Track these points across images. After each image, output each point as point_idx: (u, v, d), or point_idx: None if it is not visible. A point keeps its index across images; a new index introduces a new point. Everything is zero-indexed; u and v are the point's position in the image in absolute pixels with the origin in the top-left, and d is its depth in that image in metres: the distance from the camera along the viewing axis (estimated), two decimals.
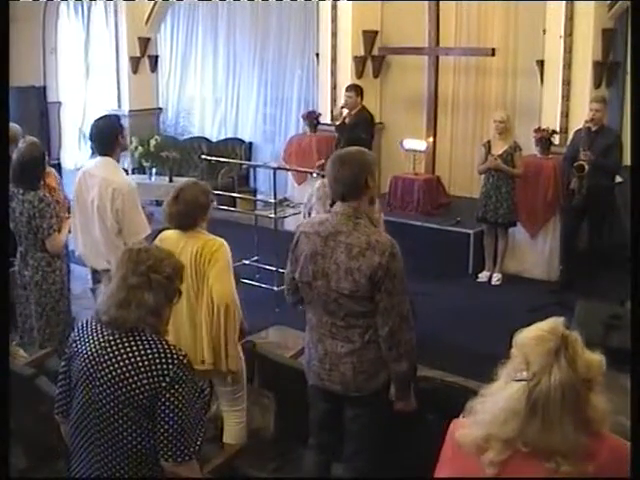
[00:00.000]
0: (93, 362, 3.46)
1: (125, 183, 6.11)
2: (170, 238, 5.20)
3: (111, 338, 3.46)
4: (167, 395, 3.36)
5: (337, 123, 10.50)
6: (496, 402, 2.53)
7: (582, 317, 6.96)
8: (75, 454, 3.62)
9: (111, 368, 3.41)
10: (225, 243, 5.13)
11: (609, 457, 2.51)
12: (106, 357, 3.43)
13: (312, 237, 4.35)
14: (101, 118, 6.57)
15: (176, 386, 3.38)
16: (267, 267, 9.30)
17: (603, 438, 2.54)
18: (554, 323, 2.58)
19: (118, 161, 6.27)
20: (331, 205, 4.50)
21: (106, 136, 6.14)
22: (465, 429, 2.62)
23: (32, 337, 6.64)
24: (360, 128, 9.89)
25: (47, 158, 7.48)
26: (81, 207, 6.27)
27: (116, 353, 3.42)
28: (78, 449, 3.59)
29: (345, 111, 10.35)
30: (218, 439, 5.26)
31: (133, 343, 3.43)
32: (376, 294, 4.18)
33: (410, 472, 4.58)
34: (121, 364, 3.40)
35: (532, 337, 2.55)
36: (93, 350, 3.48)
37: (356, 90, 10.48)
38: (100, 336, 3.49)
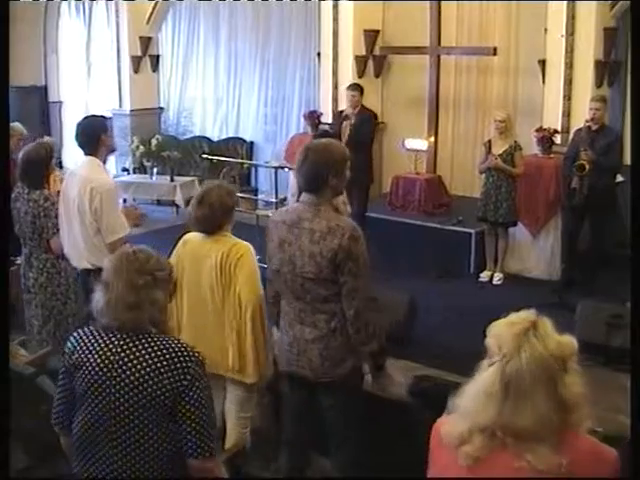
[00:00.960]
0: (104, 370, 3.43)
1: (104, 182, 6.07)
2: (194, 241, 5.14)
3: (122, 343, 3.44)
4: (190, 393, 3.37)
5: (344, 125, 10.41)
6: (473, 391, 2.61)
7: (584, 316, 6.98)
8: (84, 464, 3.57)
9: (128, 373, 3.39)
10: (251, 247, 5.05)
11: (585, 456, 2.54)
12: (120, 363, 3.41)
13: (279, 225, 4.50)
14: (85, 118, 6.56)
15: (197, 383, 3.39)
16: None
17: (582, 437, 2.58)
18: (525, 312, 2.68)
19: (104, 161, 6.24)
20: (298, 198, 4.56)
21: (89, 136, 6.12)
22: (449, 425, 2.67)
23: (38, 341, 6.58)
24: (365, 127, 9.90)
25: (55, 159, 7.51)
26: (65, 206, 6.24)
27: (131, 357, 3.40)
28: (88, 459, 3.55)
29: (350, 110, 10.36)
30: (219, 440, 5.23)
31: (147, 345, 3.41)
32: (340, 277, 4.28)
33: (408, 472, 4.58)
34: (138, 367, 3.38)
35: (503, 323, 2.65)
36: (103, 358, 3.44)
37: (359, 89, 10.55)
38: (108, 343, 3.46)
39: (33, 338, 6.60)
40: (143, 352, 3.40)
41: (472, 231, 9.95)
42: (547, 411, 2.49)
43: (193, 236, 5.17)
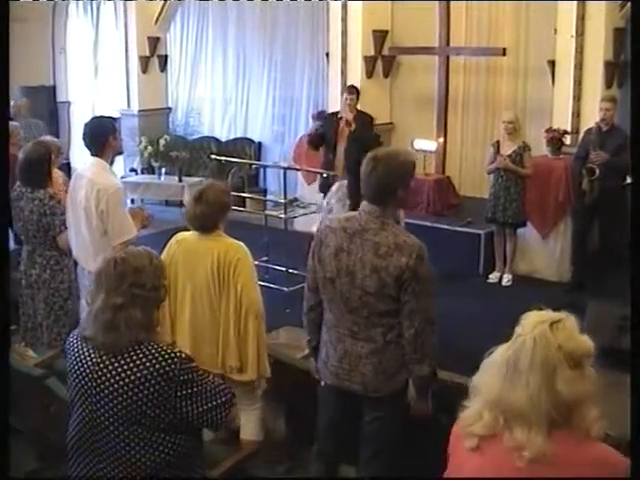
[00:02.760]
0: (87, 379, 3.38)
1: (111, 184, 6.04)
2: (188, 240, 5.15)
3: (102, 354, 3.36)
4: (181, 401, 3.35)
5: (347, 131, 9.68)
6: (485, 367, 2.68)
7: (593, 318, 6.94)
8: (75, 469, 3.54)
9: (107, 384, 3.33)
10: (246, 247, 5.08)
11: (589, 462, 2.54)
12: (100, 374, 3.35)
13: (338, 233, 4.29)
14: (93, 119, 6.57)
15: (187, 383, 3.36)
16: (277, 267, 9.28)
17: (589, 443, 2.57)
18: (561, 313, 2.68)
19: (111, 163, 6.23)
20: (350, 205, 4.46)
21: (96, 137, 6.09)
22: (465, 409, 2.70)
23: (36, 336, 6.59)
24: (369, 131, 9.65)
25: (59, 157, 7.51)
26: (73, 208, 6.22)
27: (110, 369, 3.33)
28: (78, 464, 3.51)
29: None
30: (230, 440, 5.22)
31: (128, 359, 3.33)
32: (402, 295, 4.14)
33: (423, 475, 4.55)
34: (117, 379, 3.32)
35: (535, 313, 2.67)
36: (85, 367, 3.39)
37: (357, 92, 9.96)
38: (91, 353, 3.39)
39: (28, 333, 6.61)
40: (123, 367, 3.32)
41: (481, 232, 9.93)
42: (538, 396, 2.50)
43: (187, 235, 5.19)
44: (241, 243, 5.10)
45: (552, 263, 9.79)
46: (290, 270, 8.97)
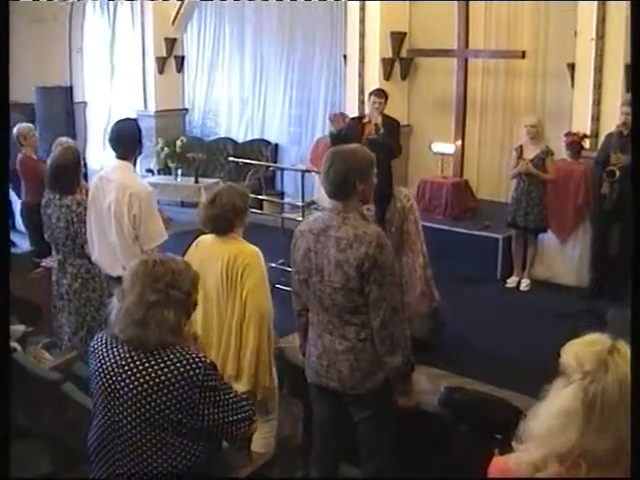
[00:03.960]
0: (111, 381, 3.38)
1: (143, 188, 6.01)
2: (204, 242, 5.13)
3: (127, 356, 3.37)
4: (203, 406, 3.35)
5: (370, 137, 9.25)
6: (550, 412, 2.44)
7: (614, 324, 6.87)
8: (97, 471, 3.54)
9: (131, 387, 3.33)
10: (258, 251, 5.01)
11: None
12: (124, 376, 3.35)
13: (306, 235, 4.41)
14: (122, 121, 6.50)
15: (211, 390, 3.36)
16: None
17: None
18: (597, 334, 2.55)
19: (135, 165, 6.18)
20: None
21: (126, 140, 6.05)
22: (519, 453, 2.50)
23: (68, 347, 6.51)
24: (392, 136, 9.47)
25: (82, 162, 7.45)
26: (97, 212, 6.14)
27: (135, 371, 3.34)
28: (100, 467, 3.51)
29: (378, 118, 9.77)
30: (246, 447, 5.17)
31: (153, 361, 3.34)
32: (365, 286, 4.18)
33: (428, 475, 4.53)
34: (141, 381, 3.32)
35: (581, 342, 2.51)
36: (109, 369, 3.39)
37: (385, 95, 9.61)
38: (116, 354, 3.40)
39: (63, 344, 6.54)
40: (148, 368, 3.33)
41: (499, 236, 9.86)
42: (626, 434, 2.35)
43: (206, 237, 5.16)
44: (255, 248, 5.02)
45: (570, 268, 9.70)
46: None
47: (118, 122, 6.38)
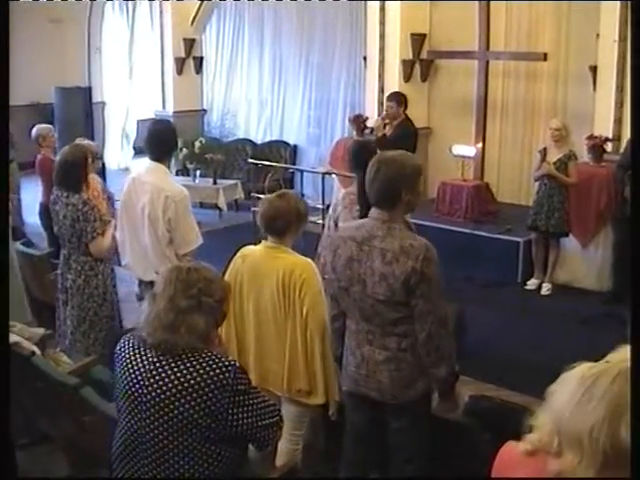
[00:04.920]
0: (137, 385, 3.35)
1: (179, 191, 5.92)
2: (253, 256, 4.91)
3: (155, 361, 3.34)
4: (235, 410, 3.32)
5: (377, 135, 9.53)
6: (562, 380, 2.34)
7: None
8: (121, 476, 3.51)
9: (159, 392, 3.30)
10: (313, 265, 4.82)
11: None
12: (152, 381, 3.32)
13: (348, 242, 4.28)
14: (158, 122, 6.46)
15: (241, 394, 3.33)
16: None
17: None
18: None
19: (168, 167, 6.13)
20: (359, 212, 4.37)
21: (164, 142, 5.98)
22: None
23: (72, 341, 6.50)
24: (402, 142, 9.26)
25: (95, 162, 7.42)
26: (129, 214, 6.07)
27: (163, 376, 3.31)
28: (125, 472, 3.48)
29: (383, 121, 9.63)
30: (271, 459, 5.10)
31: (182, 366, 3.30)
32: (412, 299, 4.10)
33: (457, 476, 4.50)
34: (170, 386, 3.28)
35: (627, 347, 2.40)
36: (137, 374, 3.36)
37: (398, 99, 9.58)
38: (144, 359, 3.38)
39: (60, 338, 6.53)
40: (177, 372, 3.30)
41: (520, 240, 9.78)
42: (599, 430, 2.20)
43: (252, 251, 4.95)
44: (308, 260, 4.83)
45: (592, 272, 9.61)
46: (326, 276, 8.88)
47: (155, 123, 6.32)
